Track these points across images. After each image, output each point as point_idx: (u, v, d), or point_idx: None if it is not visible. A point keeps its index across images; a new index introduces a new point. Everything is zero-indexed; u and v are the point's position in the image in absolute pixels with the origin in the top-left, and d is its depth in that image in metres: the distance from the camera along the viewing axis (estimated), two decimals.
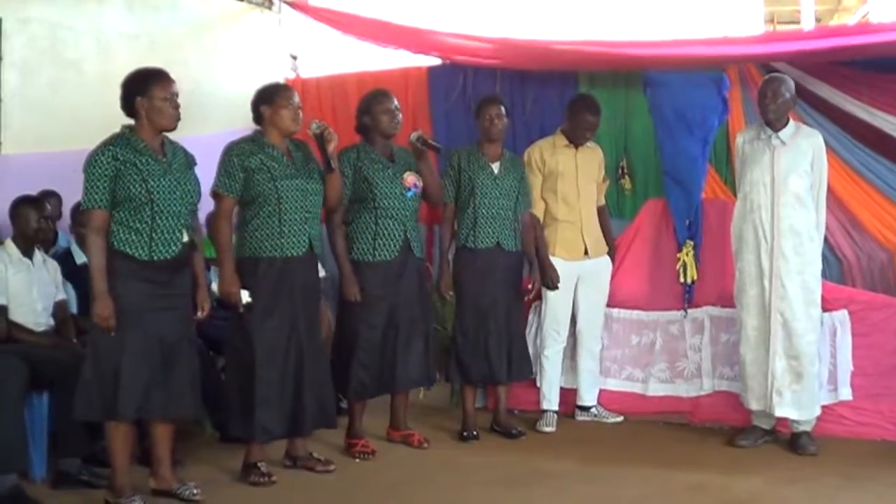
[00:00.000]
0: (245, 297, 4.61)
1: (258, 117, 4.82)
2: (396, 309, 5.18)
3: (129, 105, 4.33)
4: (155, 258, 4.24)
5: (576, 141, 5.81)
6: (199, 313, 4.50)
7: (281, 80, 7.81)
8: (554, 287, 5.72)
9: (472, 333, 5.53)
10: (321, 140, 4.78)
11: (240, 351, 4.67)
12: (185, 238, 4.34)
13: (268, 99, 4.77)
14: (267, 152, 4.70)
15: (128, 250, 4.20)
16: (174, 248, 4.29)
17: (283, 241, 4.67)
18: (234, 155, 4.68)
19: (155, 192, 4.22)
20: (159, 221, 4.24)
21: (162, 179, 4.25)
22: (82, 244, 5.42)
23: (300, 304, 4.73)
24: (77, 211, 5.51)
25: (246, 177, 4.66)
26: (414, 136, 5.29)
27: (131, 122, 4.32)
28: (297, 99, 4.82)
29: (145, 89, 4.28)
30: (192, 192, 4.41)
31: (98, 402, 4.19)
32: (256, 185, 4.65)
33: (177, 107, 4.35)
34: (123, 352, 4.17)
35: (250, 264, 4.67)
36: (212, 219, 4.83)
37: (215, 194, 4.70)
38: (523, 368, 5.70)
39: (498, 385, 5.68)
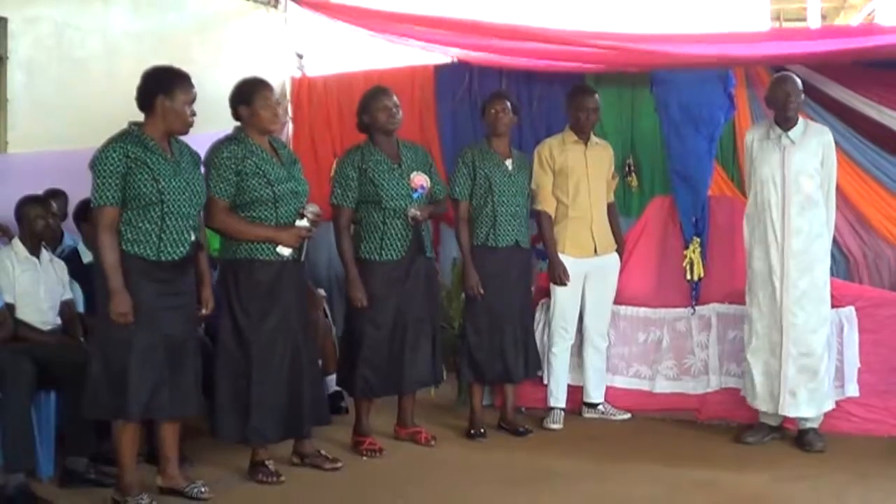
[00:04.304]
0: (304, 221, 4.64)
1: (237, 116, 4.74)
2: (403, 309, 5.16)
3: (146, 101, 4.27)
4: (163, 258, 4.21)
5: (578, 129, 5.77)
6: (203, 310, 4.48)
7: (287, 79, 7.85)
8: (562, 283, 5.72)
9: (486, 332, 5.52)
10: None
11: (233, 354, 4.63)
12: (193, 238, 4.33)
13: (245, 99, 4.69)
14: (257, 154, 4.64)
15: (136, 250, 4.17)
16: (182, 248, 4.27)
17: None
18: (226, 158, 4.60)
19: (166, 193, 4.19)
20: (169, 222, 4.22)
21: (172, 180, 4.22)
22: (88, 242, 5.43)
23: (294, 305, 4.71)
24: (80, 209, 5.50)
25: (239, 180, 4.60)
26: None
27: (139, 119, 4.30)
28: (274, 97, 4.75)
29: (170, 89, 4.23)
30: (200, 192, 4.39)
31: (106, 401, 4.18)
32: (252, 190, 4.60)
33: (193, 113, 4.31)
34: (132, 351, 4.15)
35: (246, 266, 4.62)
36: (209, 217, 4.64)
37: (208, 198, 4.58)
38: (537, 366, 5.72)
39: (507, 383, 5.68)
